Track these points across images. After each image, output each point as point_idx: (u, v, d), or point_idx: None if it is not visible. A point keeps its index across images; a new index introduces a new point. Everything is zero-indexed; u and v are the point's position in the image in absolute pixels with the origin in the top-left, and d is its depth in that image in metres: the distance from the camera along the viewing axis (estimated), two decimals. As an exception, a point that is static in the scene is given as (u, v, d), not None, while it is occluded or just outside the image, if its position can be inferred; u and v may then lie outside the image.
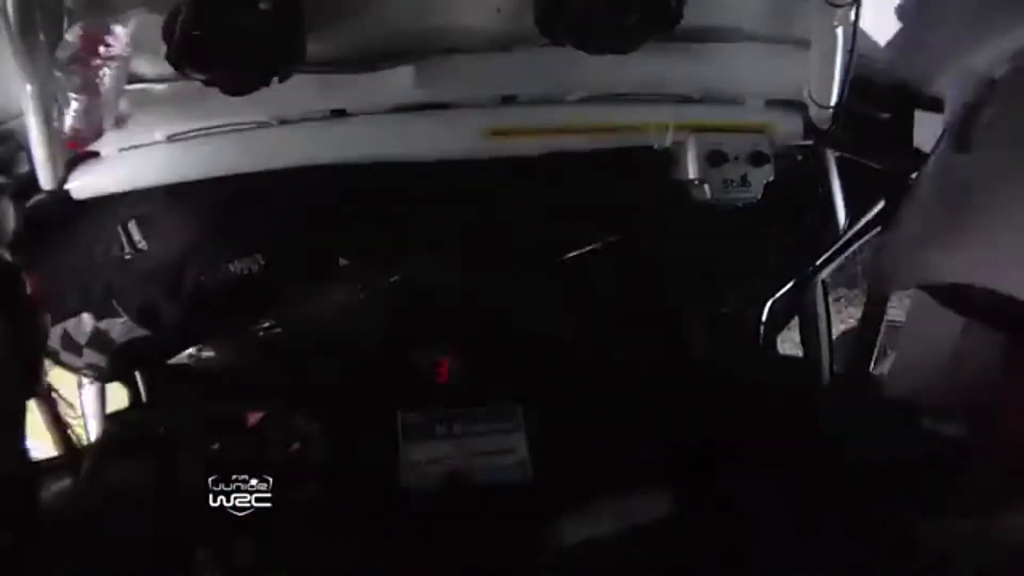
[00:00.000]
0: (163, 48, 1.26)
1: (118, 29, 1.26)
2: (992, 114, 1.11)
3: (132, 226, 1.78)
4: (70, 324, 1.89)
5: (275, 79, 1.33)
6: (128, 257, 1.79)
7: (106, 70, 1.26)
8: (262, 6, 1.22)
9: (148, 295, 1.84)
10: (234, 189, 1.71)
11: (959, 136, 1.09)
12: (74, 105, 1.31)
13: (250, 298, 1.89)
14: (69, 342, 1.91)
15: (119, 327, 1.91)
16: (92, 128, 1.36)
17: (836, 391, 2.07)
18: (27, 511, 1.47)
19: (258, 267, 1.81)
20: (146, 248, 1.77)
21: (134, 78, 1.45)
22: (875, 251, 1.29)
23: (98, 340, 1.92)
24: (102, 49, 1.25)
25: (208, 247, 1.80)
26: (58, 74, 1.28)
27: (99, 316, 1.89)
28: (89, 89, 1.29)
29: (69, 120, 1.33)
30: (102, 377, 2.09)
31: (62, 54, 1.25)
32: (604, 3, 1.24)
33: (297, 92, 1.48)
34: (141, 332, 1.92)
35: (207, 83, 1.31)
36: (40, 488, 1.75)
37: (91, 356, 1.95)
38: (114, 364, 2.02)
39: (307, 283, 2.07)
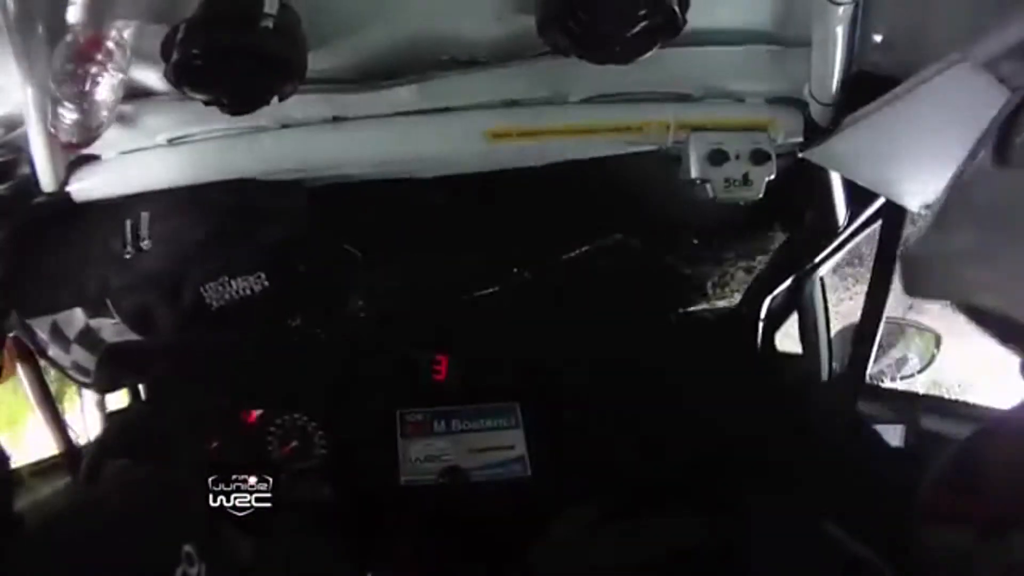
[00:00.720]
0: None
1: (117, 36, 1.25)
2: None
3: (137, 223, 1.71)
4: (60, 317, 1.85)
5: (275, 98, 1.32)
6: (128, 256, 1.72)
7: (103, 77, 1.25)
8: (262, 25, 1.19)
9: (144, 298, 1.77)
10: (245, 199, 1.69)
11: (1001, 146, 1.04)
12: (66, 111, 1.29)
13: (248, 319, 1.80)
14: (58, 335, 1.88)
15: (110, 327, 1.88)
16: (83, 134, 1.35)
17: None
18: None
19: (260, 288, 1.73)
20: (149, 248, 1.71)
21: (136, 85, 1.45)
22: (906, 257, 1.24)
23: (87, 338, 1.90)
24: (99, 56, 1.23)
25: (212, 257, 1.73)
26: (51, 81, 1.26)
27: (91, 314, 1.86)
28: (82, 95, 1.27)
29: (60, 125, 1.32)
30: (88, 385, 2.04)
31: (57, 59, 1.24)
32: (607, 13, 1.22)
33: (298, 107, 1.48)
34: (132, 336, 1.87)
35: (207, 103, 1.29)
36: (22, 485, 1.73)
37: (79, 354, 1.93)
38: (100, 375, 1.98)
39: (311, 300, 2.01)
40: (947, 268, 1.07)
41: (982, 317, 1.03)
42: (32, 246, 1.70)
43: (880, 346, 1.92)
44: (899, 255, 1.34)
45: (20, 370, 2.01)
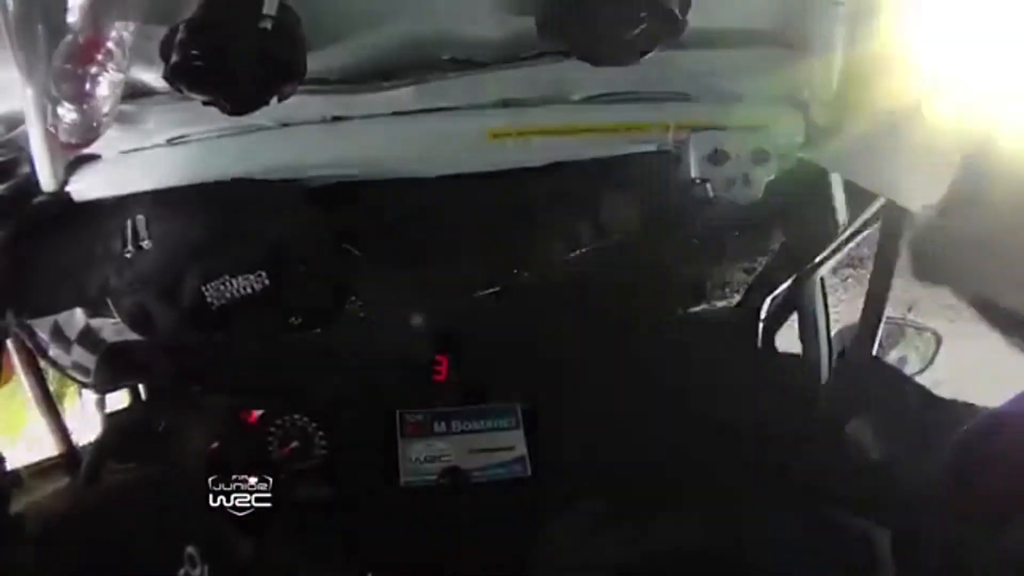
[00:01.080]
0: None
1: (117, 36, 1.24)
2: None
3: (137, 223, 1.70)
4: (61, 317, 1.85)
5: (275, 99, 1.31)
6: (128, 255, 1.70)
7: (102, 77, 1.25)
8: (261, 25, 1.18)
9: (144, 297, 1.74)
10: (245, 199, 1.68)
11: None
12: (65, 111, 1.29)
13: (249, 318, 1.77)
14: (59, 335, 1.87)
15: (110, 327, 1.88)
16: (83, 134, 1.34)
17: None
18: None
19: (261, 287, 1.71)
20: (149, 248, 1.69)
21: (136, 85, 1.45)
22: (918, 238, 1.27)
23: (88, 338, 1.90)
24: (99, 56, 1.23)
25: (212, 256, 1.71)
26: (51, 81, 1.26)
27: (92, 313, 1.85)
28: (82, 96, 1.27)
29: (60, 125, 1.32)
30: (88, 385, 2.05)
31: (57, 59, 1.24)
32: (608, 15, 1.21)
33: (297, 107, 1.47)
34: (132, 336, 1.87)
35: (206, 103, 1.28)
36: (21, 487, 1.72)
37: (79, 354, 1.92)
38: (101, 375, 1.99)
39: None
40: (955, 256, 1.09)
41: (988, 308, 1.05)
42: (32, 246, 1.70)
43: (880, 346, 1.92)
44: (908, 242, 1.35)
45: (20, 372, 2.01)
